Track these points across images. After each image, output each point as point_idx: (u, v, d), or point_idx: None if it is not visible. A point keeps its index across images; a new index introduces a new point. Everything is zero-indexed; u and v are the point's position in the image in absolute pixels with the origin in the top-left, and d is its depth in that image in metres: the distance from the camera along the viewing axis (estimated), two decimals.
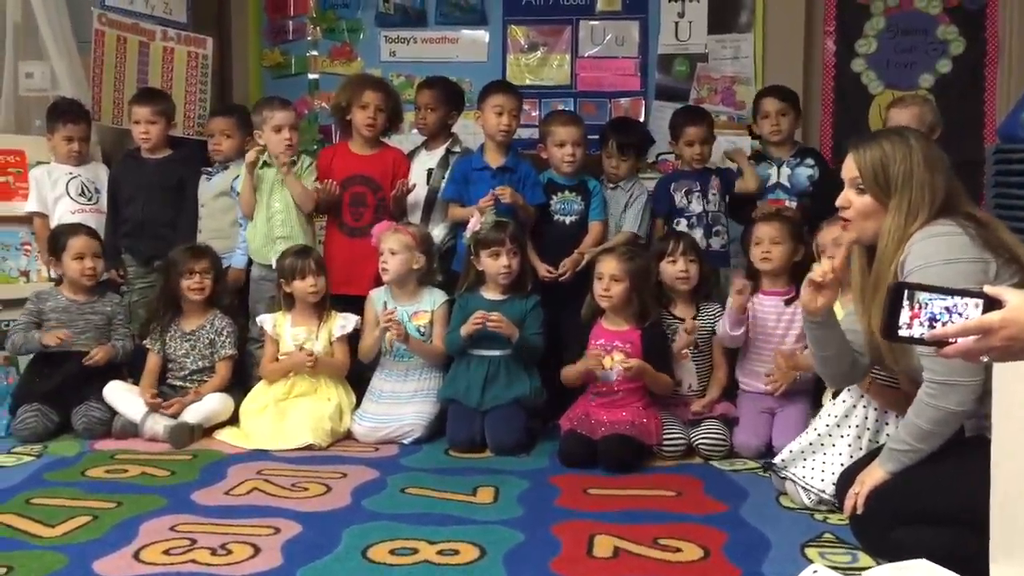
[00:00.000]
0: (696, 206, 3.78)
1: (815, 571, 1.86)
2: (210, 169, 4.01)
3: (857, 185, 2.18)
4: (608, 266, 3.14)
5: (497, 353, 3.31)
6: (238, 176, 3.81)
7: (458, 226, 3.71)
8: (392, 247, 3.43)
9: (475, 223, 3.39)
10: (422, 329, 3.46)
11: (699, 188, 3.78)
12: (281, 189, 3.70)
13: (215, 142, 4.06)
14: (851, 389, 2.58)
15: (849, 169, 2.20)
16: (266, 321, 3.50)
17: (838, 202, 2.23)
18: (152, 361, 3.52)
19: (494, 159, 3.68)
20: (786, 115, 3.84)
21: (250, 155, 3.70)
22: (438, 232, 3.80)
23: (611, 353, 3.10)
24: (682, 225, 3.74)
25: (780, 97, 3.87)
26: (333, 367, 3.46)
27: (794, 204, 3.72)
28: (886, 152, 2.14)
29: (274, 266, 3.57)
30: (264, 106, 3.77)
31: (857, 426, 2.55)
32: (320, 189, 3.71)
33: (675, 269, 3.31)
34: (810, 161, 3.82)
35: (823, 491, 2.48)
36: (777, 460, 2.65)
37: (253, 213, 3.74)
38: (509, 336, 3.24)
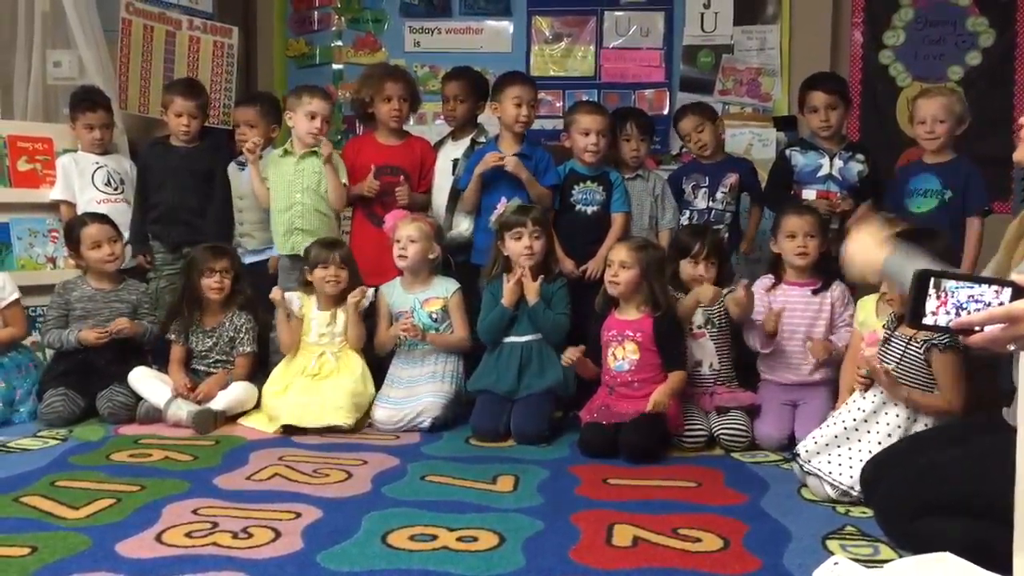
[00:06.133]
0: (700, 202, 3.77)
1: (836, 563, 1.84)
2: (242, 160, 4.00)
3: None
4: (618, 253, 3.14)
5: (530, 338, 3.33)
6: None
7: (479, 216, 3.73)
8: (412, 235, 3.45)
9: (500, 208, 3.41)
10: (434, 315, 3.49)
11: (707, 184, 3.77)
12: (303, 181, 3.68)
13: (240, 132, 4.06)
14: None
15: None
16: (293, 300, 3.50)
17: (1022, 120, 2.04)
18: (177, 350, 3.55)
19: (509, 149, 3.68)
20: (835, 108, 3.65)
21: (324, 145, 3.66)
22: (466, 224, 3.81)
23: (622, 344, 3.10)
24: (684, 218, 3.77)
25: (828, 91, 3.67)
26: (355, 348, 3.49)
27: (845, 196, 3.63)
28: None
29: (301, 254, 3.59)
30: (304, 91, 3.74)
31: (888, 424, 2.52)
32: (361, 185, 3.74)
33: (695, 272, 3.29)
34: (861, 157, 3.70)
35: (852, 488, 2.42)
36: (801, 450, 2.61)
37: (265, 202, 3.75)
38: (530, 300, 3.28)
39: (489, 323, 3.37)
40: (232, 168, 4.02)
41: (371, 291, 3.53)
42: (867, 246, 1.93)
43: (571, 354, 3.13)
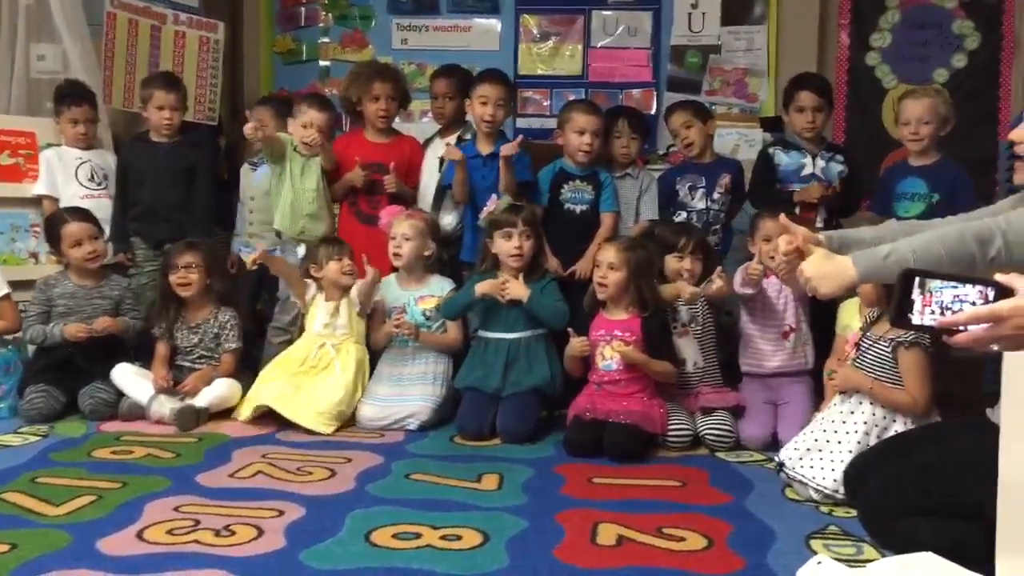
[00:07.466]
0: (699, 202, 3.76)
1: (819, 563, 1.84)
2: (254, 160, 4.00)
3: None
4: (606, 254, 3.14)
5: (517, 335, 3.33)
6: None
7: (467, 213, 3.73)
8: (406, 232, 3.46)
9: (491, 205, 3.41)
10: (427, 313, 3.49)
11: (704, 184, 3.76)
12: (313, 173, 3.72)
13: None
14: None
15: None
16: (311, 288, 3.51)
17: (1012, 135, 1.99)
18: (162, 347, 3.53)
19: (484, 147, 3.70)
20: (821, 110, 3.68)
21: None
22: (449, 219, 3.82)
23: (611, 343, 3.10)
24: (681, 219, 3.74)
25: (817, 91, 3.68)
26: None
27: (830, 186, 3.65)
28: None
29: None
30: (303, 100, 3.82)
31: (865, 423, 2.54)
32: (348, 176, 3.76)
33: (680, 266, 3.30)
34: (840, 158, 3.71)
35: (836, 491, 2.43)
36: (784, 459, 2.62)
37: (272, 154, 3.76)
38: (521, 298, 3.28)
39: (455, 299, 3.42)
40: (244, 168, 4.05)
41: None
42: (822, 261, 1.86)
43: (582, 344, 3.14)
